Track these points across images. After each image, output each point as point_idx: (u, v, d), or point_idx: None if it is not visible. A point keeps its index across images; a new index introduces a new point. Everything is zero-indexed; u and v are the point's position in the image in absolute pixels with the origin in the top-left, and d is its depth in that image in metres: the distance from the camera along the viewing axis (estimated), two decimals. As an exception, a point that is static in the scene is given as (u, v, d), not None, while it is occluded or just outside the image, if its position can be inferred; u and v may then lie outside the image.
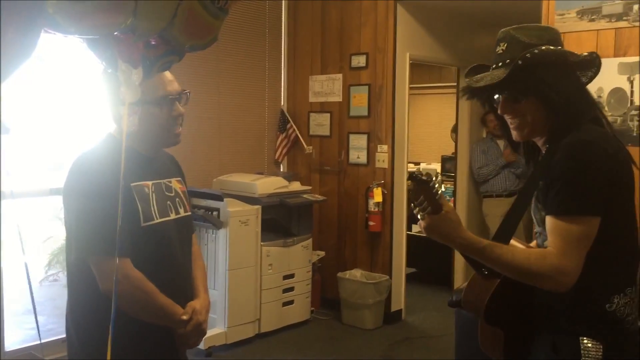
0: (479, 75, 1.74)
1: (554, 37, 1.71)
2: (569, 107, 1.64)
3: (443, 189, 1.55)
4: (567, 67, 1.69)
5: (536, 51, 1.62)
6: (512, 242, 1.73)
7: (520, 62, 1.62)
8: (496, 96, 1.73)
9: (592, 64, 1.74)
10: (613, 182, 1.57)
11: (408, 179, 1.55)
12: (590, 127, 1.64)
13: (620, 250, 1.62)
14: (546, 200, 1.62)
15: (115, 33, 1.20)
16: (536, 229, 1.77)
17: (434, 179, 1.53)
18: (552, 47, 1.65)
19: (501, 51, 1.71)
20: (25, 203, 4.78)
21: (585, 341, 1.58)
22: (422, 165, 8.08)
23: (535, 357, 1.72)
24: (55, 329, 4.50)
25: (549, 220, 1.59)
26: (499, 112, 1.73)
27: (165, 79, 1.92)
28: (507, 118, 1.74)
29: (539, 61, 1.63)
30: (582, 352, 1.58)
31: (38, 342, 4.23)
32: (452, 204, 1.64)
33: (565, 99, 1.64)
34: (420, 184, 1.52)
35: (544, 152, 1.73)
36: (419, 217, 1.60)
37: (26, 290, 5.41)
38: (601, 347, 1.57)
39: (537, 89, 1.65)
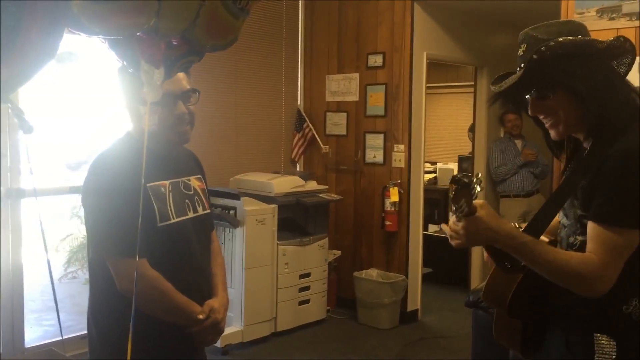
0: (504, 82, 1.71)
1: (575, 29, 1.65)
2: (600, 98, 1.58)
3: (479, 189, 1.51)
4: (595, 57, 1.62)
5: (552, 43, 1.57)
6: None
7: (535, 56, 1.58)
8: (527, 96, 1.69)
9: (621, 49, 1.65)
10: None
11: (450, 182, 1.53)
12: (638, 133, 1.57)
13: None
14: (587, 203, 1.59)
15: (138, 33, 1.21)
16: (562, 221, 1.73)
17: (474, 180, 1.50)
18: (570, 38, 1.59)
19: (522, 53, 1.67)
20: (44, 201, 4.84)
21: (599, 337, 1.58)
22: (439, 165, 8.05)
23: (548, 354, 1.72)
24: (74, 326, 4.54)
25: (594, 226, 1.56)
26: (529, 113, 1.70)
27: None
28: (541, 118, 1.70)
29: (559, 53, 1.58)
30: (595, 348, 1.58)
31: (56, 338, 4.28)
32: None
33: (593, 89, 1.58)
34: (463, 188, 1.50)
35: (586, 147, 1.68)
36: (454, 219, 1.58)
37: (44, 287, 5.50)
38: (615, 344, 1.57)
39: (562, 81, 1.60)
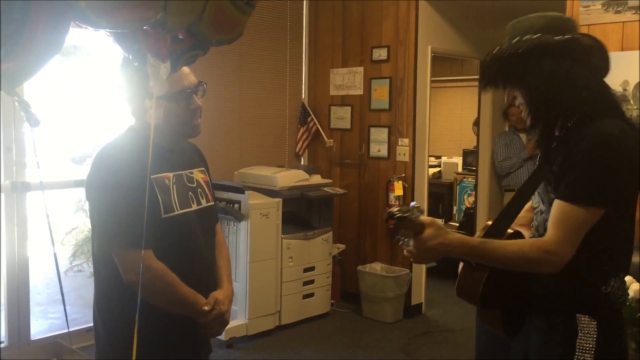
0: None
1: (551, 24, 1.71)
2: (547, 92, 1.68)
3: (420, 216, 1.62)
4: (552, 55, 1.68)
5: (505, 45, 1.72)
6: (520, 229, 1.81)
7: (487, 58, 1.76)
8: None
9: (577, 45, 1.70)
10: (626, 179, 1.62)
11: (386, 220, 1.67)
12: (614, 121, 1.66)
13: (618, 237, 1.68)
14: (558, 184, 1.66)
15: (144, 27, 1.21)
16: (539, 207, 1.80)
17: (411, 208, 1.60)
18: (523, 39, 1.69)
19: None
20: (50, 194, 4.85)
21: (581, 318, 1.65)
22: (444, 159, 8.04)
23: (530, 335, 1.78)
24: (79, 319, 4.57)
25: (557, 204, 1.63)
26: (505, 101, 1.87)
27: (181, 72, 1.91)
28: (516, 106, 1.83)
29: (507, 55, 1.71)
30: (578, 328, 1.64)
31: (62, 331, 4.30)
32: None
33: (540, 86, 1.68)
34: (400, 221, 1.59)
35: (555, 134, 1.75)
36: (403, 246, 1.68)
37: (50, 280, 5.52)
38: (595, 323, 1.64)
39: (508, 79, 1.75)
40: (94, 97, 4.98)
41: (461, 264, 1.82)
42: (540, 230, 1.77)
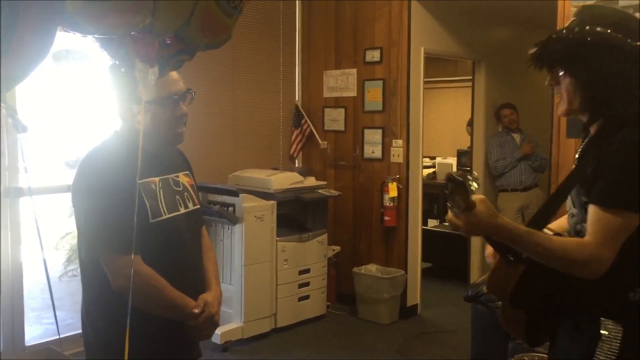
0: (536, 48, 1.78)
1: (619, 20, 1.67)
2: (603, 88, 1.64)
3: (476, 186, 1.57)
4: (612, 51, 1.64)
5: (573, 28, 1.66)
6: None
7: (554, 35, 1.69)
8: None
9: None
10: None
11: (444, 179, 1.63)
12: None
13: None
14: (591, 189, 1.63)
15: (132, 32, 1.21)
16: (572, 210, 1.78)
17: (469, 177, 1.56)
18: (590, 28, 1.65)
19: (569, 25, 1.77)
20: (44, 200, 4.84)
21: (605, 322, 1.64)
22: (438, 160, 8.06)
23: (557, 337, 1.77)
24: (74, 324, 4.54)
25: (593, 209, 1.61)
26: (546, 82, 1.78)
27: (170, 78, 1.91)
28: (555, 92, 1.78)
29: (572, 38, 1.66)
30: (602, 331, 1.63)
31: (57, 337, 4.28)
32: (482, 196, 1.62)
33: (596, 80, 1.64)
34: (457, 185, 1.55)
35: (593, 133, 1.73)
36: (451, 214, 1.64)
37: (44, 286, 5.48)
38: (621, 328, 1.62)
39: (566, 64, 1.68)
40: (88, 100, 4.97)
41: (495, 258, 1.81)
42: (572, 234, 1.75)
